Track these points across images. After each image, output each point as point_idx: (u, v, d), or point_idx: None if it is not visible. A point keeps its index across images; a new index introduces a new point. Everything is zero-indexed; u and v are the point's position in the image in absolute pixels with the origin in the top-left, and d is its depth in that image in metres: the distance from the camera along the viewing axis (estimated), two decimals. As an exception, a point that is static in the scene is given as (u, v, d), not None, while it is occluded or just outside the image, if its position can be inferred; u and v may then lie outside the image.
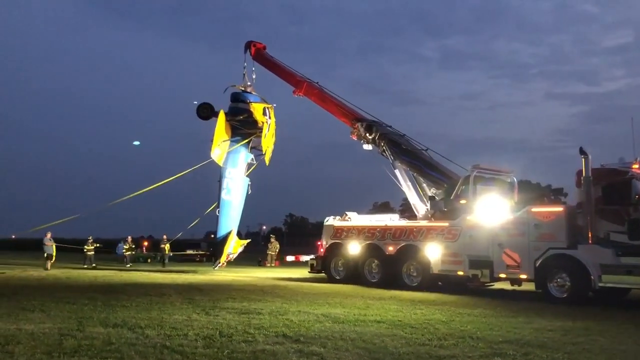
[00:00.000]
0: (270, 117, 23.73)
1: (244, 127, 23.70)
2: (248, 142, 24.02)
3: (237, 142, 23.73)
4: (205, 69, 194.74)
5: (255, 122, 23.62)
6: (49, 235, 27.25)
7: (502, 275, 15.49)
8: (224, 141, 23.02)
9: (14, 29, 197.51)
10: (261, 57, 24.66)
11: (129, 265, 30.75)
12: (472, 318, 11.14)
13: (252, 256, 33.87)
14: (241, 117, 23.62)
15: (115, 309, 11.34)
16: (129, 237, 33.83)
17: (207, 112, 23.75)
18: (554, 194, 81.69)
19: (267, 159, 23.73)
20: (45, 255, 26.89)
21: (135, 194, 24.44)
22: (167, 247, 33.09)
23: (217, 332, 8.68)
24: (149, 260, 36.58)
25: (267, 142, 23.52)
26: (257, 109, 23.65)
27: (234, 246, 23.84)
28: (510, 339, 8.71)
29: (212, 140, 22.54)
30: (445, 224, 16.84)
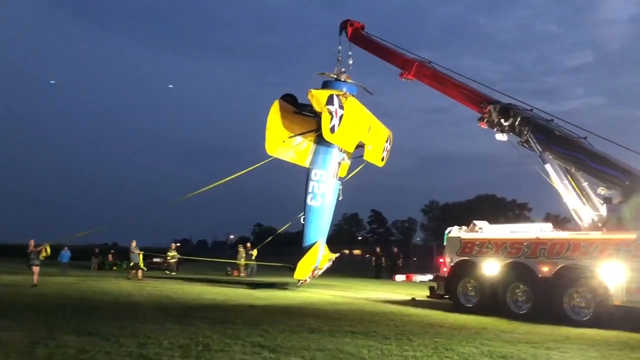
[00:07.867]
0: (342, 108, 18.97)
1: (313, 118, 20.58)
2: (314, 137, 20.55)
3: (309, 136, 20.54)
4: (178, 77, 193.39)
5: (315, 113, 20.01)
6: (134, 243, 25.91)
7: None
8: (290, 137, 20.08)
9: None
10: (359, 37, 21.22)
11: (173, 273, 30.30)
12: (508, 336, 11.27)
13: (221, 266, 33.88)
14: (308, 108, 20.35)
15: (86, 317, 11.12)
16: (173, 244, 33.43)
17: (291, 104, 20.91)
18: (518, 209, 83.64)
19: (373, 158, 20.58)
20: (132, 264, 25.89)
21: (204, 189, 21.77)
22: (254, 253, 31.96)
23: (193, 342, 8.61)
24: (114, 268, 35.88)
25: (356, 137, 19.80)
26: (318, 96, 19.06)
27: (320, 260, 20.45)
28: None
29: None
30: (631, 235, 12.38)
